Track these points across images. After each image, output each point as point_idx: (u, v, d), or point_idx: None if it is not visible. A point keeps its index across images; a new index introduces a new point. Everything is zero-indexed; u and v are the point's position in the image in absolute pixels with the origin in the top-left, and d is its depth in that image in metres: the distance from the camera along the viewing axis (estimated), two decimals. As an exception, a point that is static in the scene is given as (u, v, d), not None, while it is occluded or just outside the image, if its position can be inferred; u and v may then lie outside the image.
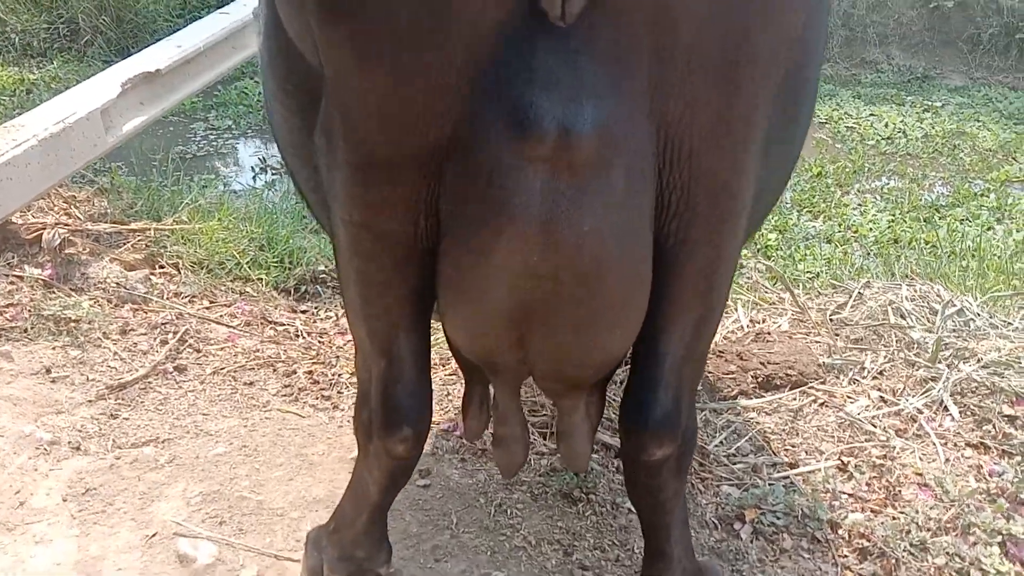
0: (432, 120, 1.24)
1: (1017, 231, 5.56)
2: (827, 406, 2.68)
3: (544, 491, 2.43)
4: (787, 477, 2.40)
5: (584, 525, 2.31)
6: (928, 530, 2.18)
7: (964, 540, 2.15)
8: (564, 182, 1.18)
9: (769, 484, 2.35)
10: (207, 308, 3.60)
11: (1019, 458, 2.39)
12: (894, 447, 2.48)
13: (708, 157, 1.28)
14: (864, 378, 2.82)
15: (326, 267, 4.01)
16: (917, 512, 2.23)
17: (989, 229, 5.58)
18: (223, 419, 2.83)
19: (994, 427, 2.51)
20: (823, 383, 2.78)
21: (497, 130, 1.19)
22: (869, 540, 2.18)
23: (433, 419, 2.82)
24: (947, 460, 2.44)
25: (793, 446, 2.53)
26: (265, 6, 1.59)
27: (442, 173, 1.29)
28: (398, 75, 1.22)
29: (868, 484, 2.36)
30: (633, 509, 2.34)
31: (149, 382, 3.00)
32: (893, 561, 2.13)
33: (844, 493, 2.33)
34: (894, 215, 5.64)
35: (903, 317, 3.11)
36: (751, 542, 2.22)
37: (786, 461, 2.47)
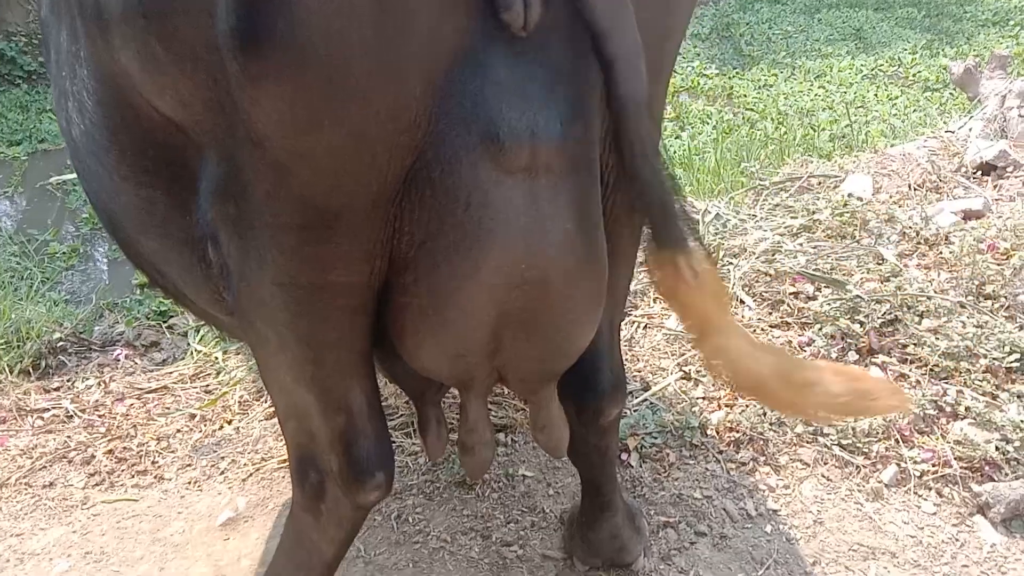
0: (391, 161, 1.16)
1: (698, 135, 6.26)
2: (650, 327, 2.89)
3: (435, 488, 2.40)
4: (646, 400, 2.57)
5: (489, 505, 2.32)
6: (779, 407, 2.46)
7: (809, 405, 2.45)
8: (542, 189, 1.18)
9: (634, 410, 2.50)
10: (-57, 420, 3.08)
11: (817, 326, 2.75)
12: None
13: None
14: (665, 295, 3.07)
15: (61, 334, 3.59)
16: (764, 395, 2.50)
17: (677, 138, 6.21)
18: (44, 533, 2.47)
19: (788, 306, 2.87)
20: (637, 308, 2.98)
21: (470, 150, 1.14)
22: (737, 431, 2.41)
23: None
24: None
25: (639, 371, 2.70)
26: (85, 66, 1.37)
27: (401, 211, 1.21)
28: (351, 125, 1.11)
29: (712, 384, 2.60)
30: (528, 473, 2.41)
31: (-75, 521, 2.53)
32: (762, 442, 2.39)
33: (698, 398, 2.55)
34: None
35: (671, 233, 3.41)
36: (641, 466, 2.37)
37: (639, 387, 2.64)
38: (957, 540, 2.13)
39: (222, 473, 2.65)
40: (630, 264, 1.57)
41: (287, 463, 2.64)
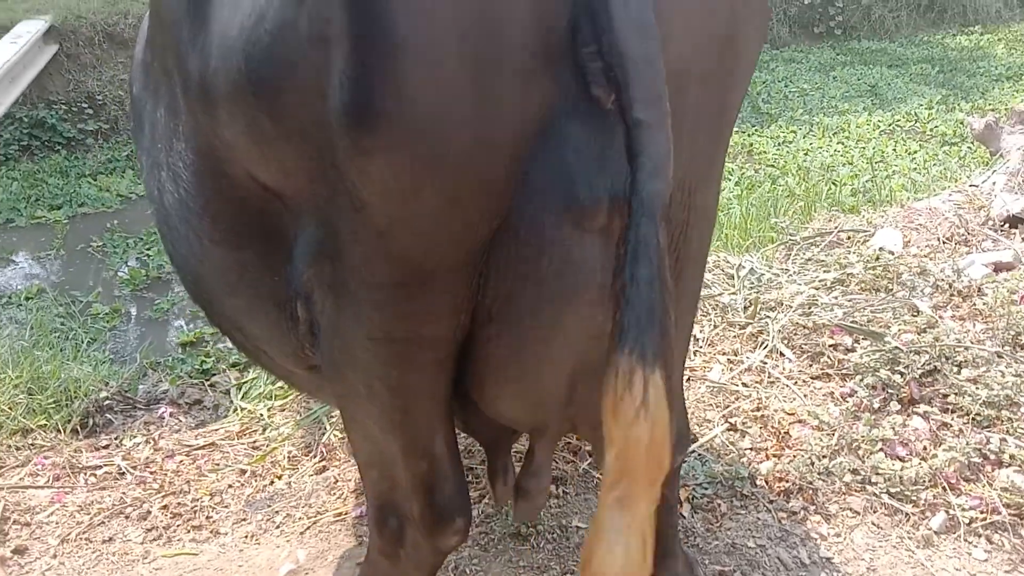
0: (481, 223, 1.26)
1: (722, 191, 6.37)
2: (692, 379, 2.95)
3: (490, 539, 2.46)
4: (694, 452, 2.62)
5: (544, 556, 2.37)
6: (825, 456, 2.51)
7: (856, 455, 2.51)
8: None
9: (684, 462, 2.56)
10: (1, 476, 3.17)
11: (858, 377, 2.81)
12: (761, 398, 2.81)
13: (701, 194, 1.47)
14: (704, 347, 3.14)
15: (107, 393, 3.69)
16: (811, 445, 2.55)
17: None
18: (106, 587, 2.52)
19: (828, 357, 2.93)
20: (678, 362, 3.05)
21: (553, 212, 1.23)
22: (786, 480, 2.46)
23: (346, 508, 2.75)
24: (805, 396, 2.81)
25: (685, 423, 2.76)
26: (183, 139, 1.49)
27: (487, 268, 1.30)
28: (449, 191, 1.21)
29: (759, 435, 2.66)
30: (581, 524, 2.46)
31: (-10, 577, 2.59)
32: (811, 492, 2.43)
33: (746, 448, 2.61)
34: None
35: (707, 287, 3.50)
36: (693, 517, 2.41)
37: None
38: (1010, 587, 2.16)
39: (278, 527, 2.71)
40: (691, 317, 1.66)
41: (343, 516, 2.71)
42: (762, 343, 3.09)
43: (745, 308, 3.29)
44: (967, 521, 2.31)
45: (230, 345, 4.72)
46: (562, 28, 1.17)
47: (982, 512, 2.32)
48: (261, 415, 3.44)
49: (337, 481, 2.89)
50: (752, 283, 3.49)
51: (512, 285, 1.31)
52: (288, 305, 1.51)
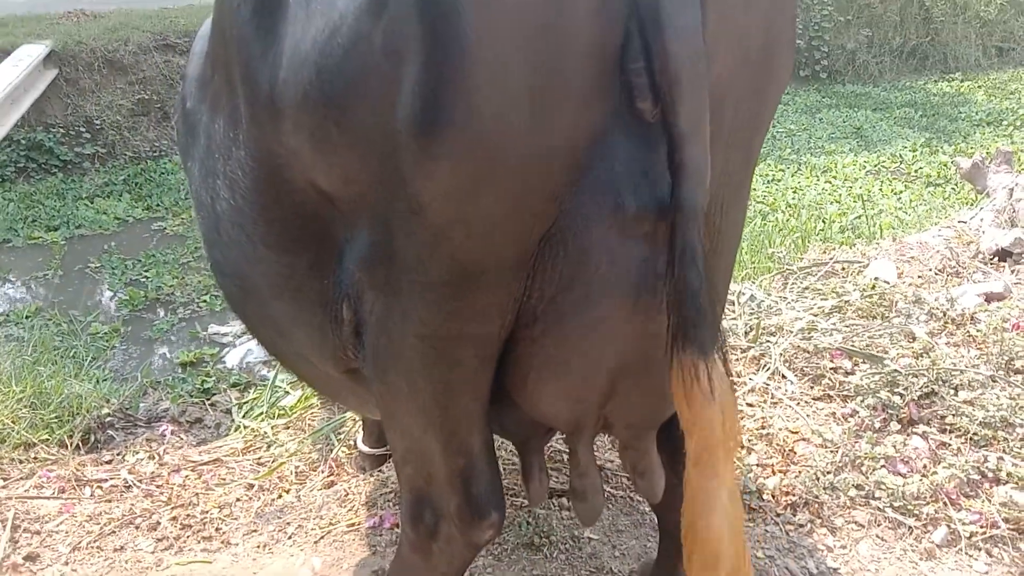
0: (534, 226, 1.33)
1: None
2: (698, 400, 3.02)
3: (503, 549, 2.50)
4: (701, 467, 2.69)
5: (557, 566, 2.42)
6: (830, 472, 2.59)
7: (859, 471, 2.59)
8: (662, 251, 1.34)
9: (692, 477, 2.62)
10: (3, 487, 3.18)
11: (859, 398, 2.90)
12: (765, 417, 2.88)
13: (732, 209, 1.56)
14: (708, 370, 3.21)
15: (109, 410, 3.71)
16: (815, 461, 2.63)
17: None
18: (121, 594, 2.54)
19: (829, 379, 3.02)
20: (683, 382, 3.13)
21: (601, 218, 1.31)
22: (792, 495, 2.53)
23: (359, 519, 2.78)
24: (808, 415, 2.89)
25: (692, 440, 2.83)
26: (243, 147, 1.56)
27: (535, 270, 1.37)
28: (505, 195, 1.29)
29: (765, 452, 2.73)
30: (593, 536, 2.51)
31: (2, 583, 2.61)
32: (817, 505, 2.50)
33: (752, 464, 2.68)
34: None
35: (708, 313, 3.58)
36: (702, 530, 2.47)
37: (693, 454, 2.76)
38: (1011, 597, 2.23)
39: (290, 537, 2.74)
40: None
41: (356, 527, 2.75)
42: (764, 365, 3.17)
43: (746, 332, 3.37)
44: (968, 535, 2.38)
45: (230, 366, 4.78)
46: (616, 44, 1.26)
47: (982, 527, 2.39)
48: (265, 432, 3.46)
49: (348, 494, 2.92)
50: (752, 309, 3.58)
51: (559, 286, 1.38)
52: (333, 307, 1.57)
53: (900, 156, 8.35)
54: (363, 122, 1.31)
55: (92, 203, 7.00)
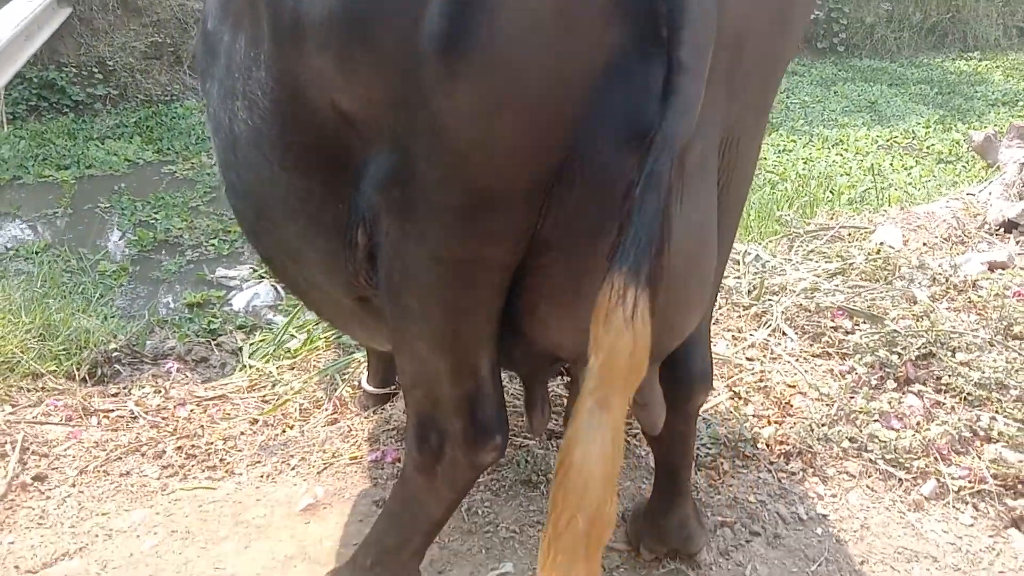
0: (551, 150, 1.35)
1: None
2: (698, 352, 3.07)
3: (502, 485, 2.56)
4: (700, 416, 2.73)
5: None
6: (824, 424, 2.64)
7: (854, 424, 2.63)
8: (677, 182, 1.35)
9: (688, 424, 2.67)
10: (12, 413, 3.24)
11: (857, 356, 2.93)
12: (764, 371, 2.93)
13: (745, 146, 1.58)
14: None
15: (116, 345, 3.77)
16: (811, 413, 2.68)
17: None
18: (127, 513, 2.61)
19: (828, 337, 3.06)
20: (684, 335, 3.17)
21: (616, 143, 1.33)
22: (786, 444, 2.58)
23: (361, 453, 2.83)
24: (806, 371, 2.93)
25: (690, 390, 2.88)
26: (263, 68, 1.57)
27: (549, 197, 1.40)
28: (525, 116, 1.31)
29: (761, 403, 2.78)
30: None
31: (12, 500, 2.67)
32: (810, 455, 2.55)
33: (749, 415, 2.73)
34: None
35: (713, 270, 3.62)
36: (696, 474, 2.52)
37: (691, 403, 2.81)
38: (994, 549, 2.28)
39: (293, 468, 2.80)
40: (724, 259, 1.77)
41: (358, 459, 2.81)
42: (766, 322, 3.21)
43: (750, 291, 3.41)
44: (956, 489, 2.43)
45: (237, 308, 4.82)
46: None
47: (970, 481, 2.44)
48: (270, 372, 3.52)
49: (351, 430, 2.98)
50: (757, 269, 3.61)
51: (573, 213, 1.41)
52: (348, 231, 1.60)
53: (913, 132, 8.30)
54: (387, 41, 1.33)
55: (103, 144, 7.00)
